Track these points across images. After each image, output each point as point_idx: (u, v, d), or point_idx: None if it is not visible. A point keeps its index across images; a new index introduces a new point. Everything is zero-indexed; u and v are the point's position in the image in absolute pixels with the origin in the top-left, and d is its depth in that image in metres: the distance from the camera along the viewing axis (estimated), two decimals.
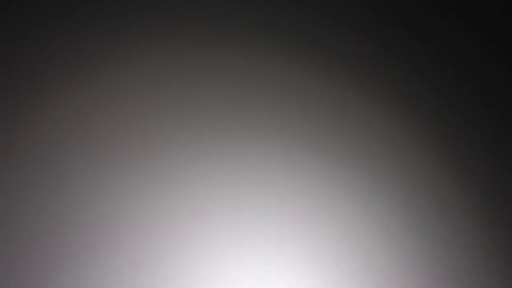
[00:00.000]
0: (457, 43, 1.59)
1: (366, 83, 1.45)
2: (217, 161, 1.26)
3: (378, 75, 1.47)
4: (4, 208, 1.09)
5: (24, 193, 1.11)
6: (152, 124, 1.24)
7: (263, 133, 1.32)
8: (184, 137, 1.25)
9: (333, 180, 1.33)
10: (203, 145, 1.26)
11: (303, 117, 1.36)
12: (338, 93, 1.42)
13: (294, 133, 1.34)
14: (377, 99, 1.45)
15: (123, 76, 1.25)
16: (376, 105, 1.44)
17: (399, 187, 1.38)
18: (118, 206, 1.16)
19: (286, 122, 1.34)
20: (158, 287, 1.13)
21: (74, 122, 1.19)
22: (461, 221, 1.39)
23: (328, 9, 1.48)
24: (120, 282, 1.11)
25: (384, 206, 1.35)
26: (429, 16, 1.59)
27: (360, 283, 1.26)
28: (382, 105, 1.45)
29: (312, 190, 1.31)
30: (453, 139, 1.49)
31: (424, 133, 1.47)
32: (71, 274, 1.09)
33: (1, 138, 1.14)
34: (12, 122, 1.15)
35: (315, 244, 1.26)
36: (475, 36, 1.62)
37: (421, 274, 1.32)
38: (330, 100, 1.40)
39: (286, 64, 1.39)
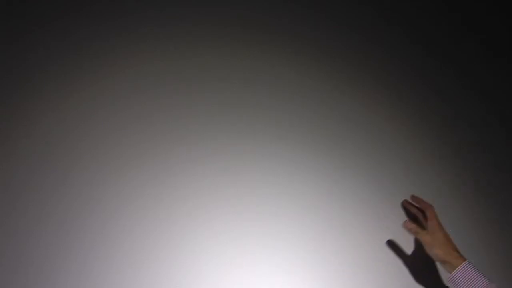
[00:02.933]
0: (457, 44, 1.59)
1: (366, 83, 1.45)
2: (217, 161, 1.26)
3: (378, 75, 1.47)
4: (4, 208, 1.09)
5: (24, 193, 1.11)
6: (152, 124, 1.24)
7: (264, 133, 1.32)
8: (185, 137, 1.25)
9: (334, 180, 1.33)
10: (204, 145, 1.26)
11: (304, 117, 1.36)
12: (338, 93, 1.42)
13: (295, 133, 1.34)
14: (377, 99, 1.45)
15: (124, 76, 1.25)
16: (376, 105, 1.44)
17: (399, 187, 1.38)
18: (118, 206, 1.16)
19: (287, 122, 1.34)
20: (158, 287, 1.13)
21: (74, 122, 1.19)
22: (461, 221, 1.39)
23: (328, 10, 1.48)
24: (120, 282, 1.11)
25: (384, 205, 1.35)
26: (429, 16, 1.59)
27: (360, 282, 1.26)
28: (382, 105, 1.45)
29: (313, 190, 1.31)
30: (453, 140, 1.49)
31: (424, 133, 1.47)
32: (71, 274, 1.09)
33: (1, 138, 1.14)
34: (12, 122, 1.15)
35: (315, 244, 1.26)
36: (475, 37, 1.62)
37: (421, 274, 1.32)
38: (330, 100, 1.40)
39: (286, 64, 1.39)
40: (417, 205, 1.30)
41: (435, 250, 1.16)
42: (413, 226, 1.22)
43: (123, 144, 1.20)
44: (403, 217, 1.35)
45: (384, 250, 1.31)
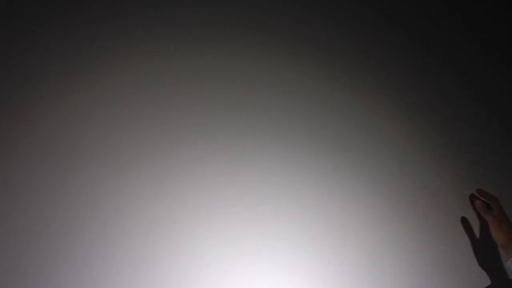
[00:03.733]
0: (457, 44, 1.59)
1: (366, 83, 1.45)
2: (217, 161, 1.26)
3: (378, 75, 1.47)
4: (4, 208, 1.09)
5: (24, 193, 1.11)
6: (152, 124, 1.24)
7: (264, 133, 1.32)
8: (185, 137, 1.25)
9: (334, 180, 1.33)
10: (204, 145, 1.26)
11: (304, 117, 1.36)
12: (338, 93, 1.42)
13: (295, 133, 1.34)
14: (377, 99, 1.45)
15: (124, 76, 1.25)
16: (376, 105, 1.44)
17: (399, 187, 1.38)
18: (118, 206, 1.16)
19: (287, 122, 1.34)
20: (158, 287, 1.13)
21: (74, 122, 1.19)
22: (461, 222, 1.39)
23: (329, 10, 1.48)
24: (120, 282, 1.11)
25: (384, 205, 1.35)
26: (429, 16, 1.59)
27: (360, 282, 1.26)
28: (382, 105, 1.45)
29: (313, 190, 1.31)
30: (453, 140, 1.49)
31: (424, 133, 1.47)
32: (71, 274, 1.09)
33: (1, 138, 1.14)
34: (12, 122, 1.15)
35: (315, 244, 1.26)
36: (475, 37, 1.62)
37: (421, 274, 1.32)
38: (330, 100, 1.40)
39: (286, 64, 1.39)
40: (481, 198, 1.38)
41: (500, 234, 1.27)
42: (483, 205, 1.33)
43: (123, 144, 1.20)
44: (403, 217, 1.35)
45: (384, 250, 1.31)
